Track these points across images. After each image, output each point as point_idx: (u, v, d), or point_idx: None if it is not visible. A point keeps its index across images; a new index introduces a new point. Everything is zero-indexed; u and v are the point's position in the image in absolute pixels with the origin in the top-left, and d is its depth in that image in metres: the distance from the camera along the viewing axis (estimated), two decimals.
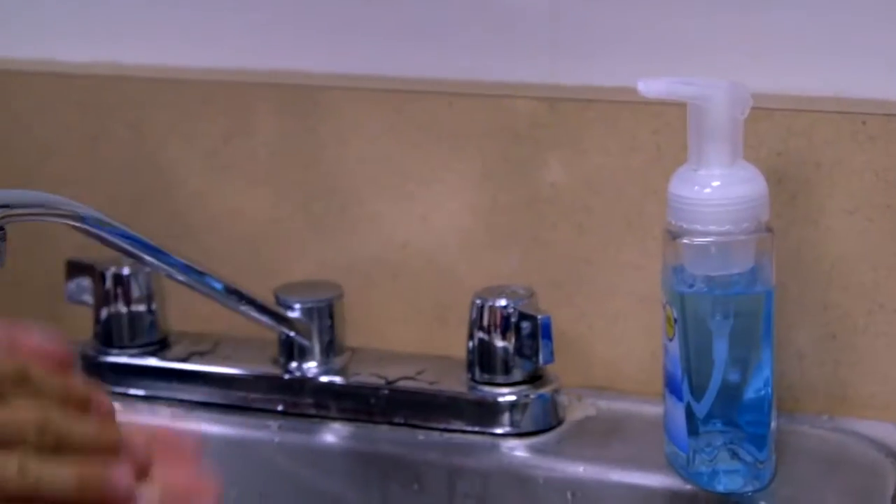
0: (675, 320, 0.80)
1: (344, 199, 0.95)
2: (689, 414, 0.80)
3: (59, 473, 0.58)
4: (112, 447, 0.60)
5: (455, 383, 0.89)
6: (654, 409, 0.86)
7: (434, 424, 0.88)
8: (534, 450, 0.86)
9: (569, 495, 0.84)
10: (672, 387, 0.81)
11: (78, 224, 0.77)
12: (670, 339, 0.80)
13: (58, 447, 0.58)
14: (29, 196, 0.75)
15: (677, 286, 0.79)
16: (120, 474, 0.59)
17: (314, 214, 0.96)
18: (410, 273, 0.95)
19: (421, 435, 0.88)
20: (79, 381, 0.62)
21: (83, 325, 0.96)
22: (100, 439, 0.60)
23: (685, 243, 0.79)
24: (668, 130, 0.88)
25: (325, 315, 0.91)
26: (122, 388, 0.94)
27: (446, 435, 0.88)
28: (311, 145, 0.95)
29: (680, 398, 0.80)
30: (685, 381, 0.80)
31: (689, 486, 0.82)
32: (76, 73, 0.99)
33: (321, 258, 0.96)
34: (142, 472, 0.61)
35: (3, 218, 0.71)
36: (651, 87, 0.77)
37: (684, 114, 0.79)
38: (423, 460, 0.87)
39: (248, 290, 0.87)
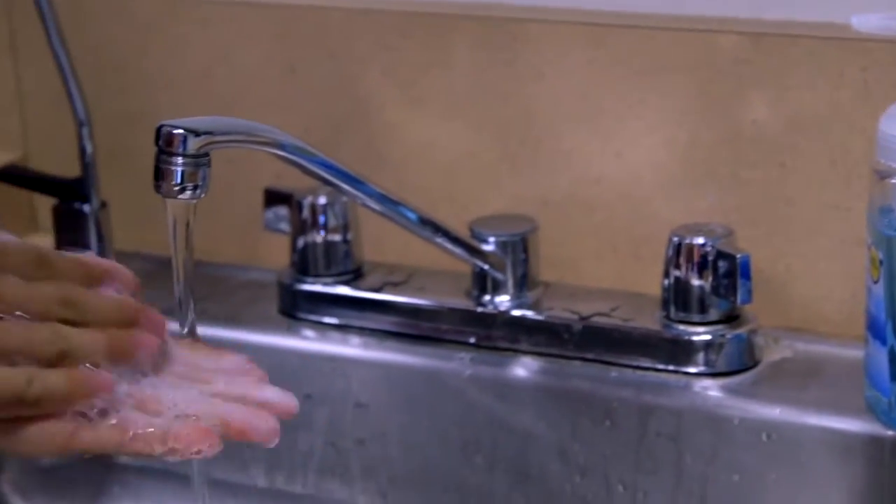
0: (881, 262, 0.77)
1: (539, 134, 0.95)
2: (893, 358, 0.78)
3: (88, 337, 0.63)
4: (133, 318, 0.65)
5: (649, 321, 0.88)
6: (853, 353, 0.84)
7: (627, 361, 0.87)
8: (728, 390, 0.85)
9: (764, 437, 0.83)
10: (875, 330, 0.79)
11: (278, 151, 0.77)
12: (875, 282, 0.78)
13: (83, 318, 0.63)
14: (231, 123, 0.76)
15: (885, 228, 0.77)
16: (146, 338, 0.65)
17: (509, 148, 0.96)
18: (605, 209, 0.94)
19: (613, 372, 0.87)
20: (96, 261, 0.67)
21: (279, 254, 0.97)
22: (121, 310, 0.65)
23: (894, 183, 0.76)
24: (876, 67, 0.85)
25: (520, 249, 0.90)
26: (316, 316, 0.95)
27: (639, 373, 0.87)
28: (507, 79, 0.95)
29: (883, 342, 0.79)
30: (889, 324, 0.78)
31: (890, 433, 0.80)
32: (276, 4, 1.00)
33: (515, 192, 0.96)
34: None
35: (207, 145, 0.71)
36: (865, 21, 0.75)
37: (894, 50, 0.77)
38: (616, 397, 0.86)
39: (443, 222, 0.87)
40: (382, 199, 0.84)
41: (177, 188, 0.70)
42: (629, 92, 0.92)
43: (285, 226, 0.96)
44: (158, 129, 0.70)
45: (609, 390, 0.87)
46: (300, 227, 0.95)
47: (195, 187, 0.70)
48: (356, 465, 0.93)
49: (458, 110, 0.96)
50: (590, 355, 0.88)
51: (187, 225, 0.71)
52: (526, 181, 0.96)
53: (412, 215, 0.86)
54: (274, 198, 0.96)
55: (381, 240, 0.98)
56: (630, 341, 0.87)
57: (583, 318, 0.89)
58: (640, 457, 0.86)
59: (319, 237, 0.94)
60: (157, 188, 0.70)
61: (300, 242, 0.95)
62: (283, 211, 0.96)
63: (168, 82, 1.04)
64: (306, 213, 0.94)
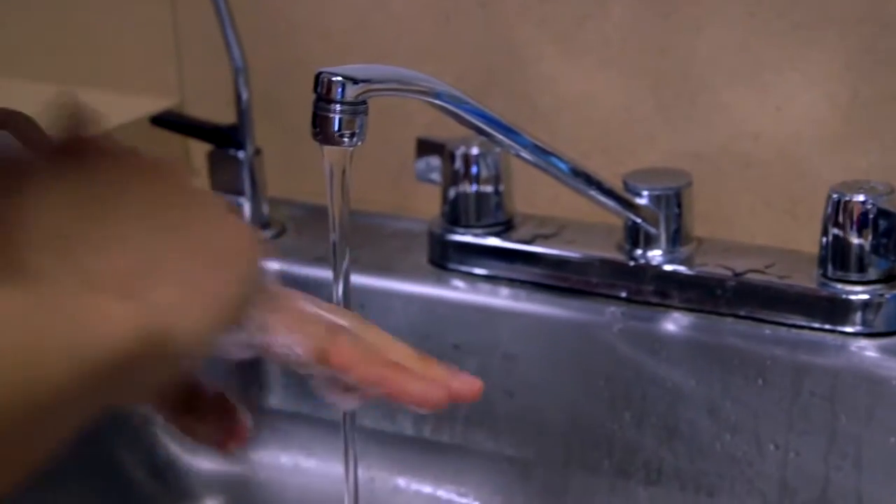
0: None
1: (696, 87, 0.94)
2: None
3: None
4: None
5: (805, 279, 0.86)
6: None
7: (781, 319, 0.86)
8: (886, 351, 0.83)
9: None
10: None
11: (434, 100, 0.77)
12: None
13: None
14: (389, 71, 0.76)
15: None
16: None
17: (665, 101, 0.95)
18: (761, 164, 0.93)
19: (767, 329, 0.86)
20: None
21: (431, 204, 0.97)
22: None
23: None
24: None
25: (674, 203, 0.89)
26: (466, 266, 0.95)
27: (794, 331, 0.86)
28: (664, 31, 0.93)
29: None
30: None
31: None
32: None
33: (669, 146, 0.95)
34: None
35: (364, 92, 0.71)
36: None
37: None
38: (769, 355, 0.85)
39: (595, 174, 0.87)
40: (535, 149, 0.84)
41: (334, 136, 0.70)
42: (790, 45, 0.90)
43: (437, 176, 0.96)
44: (317, 77, 0.70)
45: (763, 348, 0.86)
46: (452, 178, 0.95)
47: (352, 135, 0.70)
48: (504, 416, 0.93)
49: (614, 63, 0.95)
50: (743, 312, 0.87)
51: (343, 172, 0.71)
52: (680, 135, 0.94)
53: (565, 166, 0.86)
54: (426, 148, 0.96)
55: (531, 192, 0.97)
56: (785, 299, 0.86)
57: (737, 275, 0.88)
58: (793, 416, 0.85)
59: (471, 188, 0.94)
60: (315, 135, 0.71)
61: (451, 193, 0.95)
62: (434, 161, 0.96)
63: (323, 31, 1.04)
64: (458, 163, 0.94)
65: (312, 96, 0.71)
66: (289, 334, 0.64)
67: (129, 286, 0.57)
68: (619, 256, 0.91)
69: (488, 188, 0.94)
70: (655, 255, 0.90)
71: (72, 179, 0.60)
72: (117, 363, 0.54)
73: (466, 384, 0.66)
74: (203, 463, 1.00)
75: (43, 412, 0.51)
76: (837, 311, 0.85)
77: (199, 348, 0.58)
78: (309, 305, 0.66)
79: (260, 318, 0.63)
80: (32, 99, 1.16)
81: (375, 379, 0.64)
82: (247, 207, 1.02)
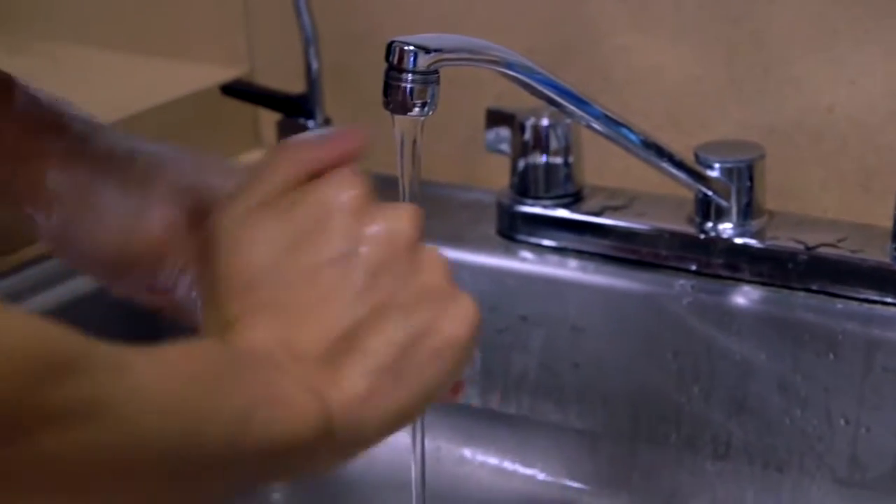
0: None
1: (769, 59, 0.93)
2: None
3: None
4: None
5: (878, 253, 0.85)
6: None
7: (853, 294, 0.85)
8: None
9: None
10: None
11: (505, 70, 0.77)
12: None
13: None
14: (461, 41, 0.76)
15: None
16: None
17: (738, 73, 0.94)
18: (835, 138, 0.92)
19: (839, 304, 0.85)
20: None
21: (500, 175, 0.97)
22: None
23: None
24: None
25: (745, 176, 0.88)
26: (535, 238, 0.95)
27: (866, 306, 0.85)
28: (738, 1, 0.92)
29: None
30: None
31: None
32: None
33: (741, 118, 0.94)
34: None
35: (436, 62, 0.71)
36: None
37: None
38: (841, 330, 0.84)
39: (667, 146, 0.86)
40: (607, 120, 0.83)
41: (406, 105, 0.70)
42: (866, 16, 0.89)
43: (506, 147, 0.95)
44: (389, 45, 0.70)
45: (834, 322, 0.85)
46: (521, 149, 0.94)
47: (424, 104, 0.70)
48: (571, 388, 0.93)
49: (686, 34, 0.95)
50: (814, 286, 0.86)
51: (414, 142, 0.71)
52: (753, 107, 0.94)
53: (636, 138, 0.85)
54: (496, 118, 0.96)
55: (601, 164, 0.97)
56: (858, 273, 0.85)
57: (808, 248, 0.87)
58: (865, 391, 0.84)
59: (541, 159, 0.94)
60: (386, 104, 0.71)
61: (521, 164, 0.94)
62: (504, 132, 0.95)
63: (393, 2, 1.04)
64: (528, 134, 0.93)
65: (383, 66, 0.71)
66: None
67: (326, 370, 0.54)
68: (690, 229, 0.90)
69: (558, 159, 0.94)
70: (726, 228, 0.89)
71: (291, 203, 0.58)
72: (290, 446, 0.52)
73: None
74: None
75: (204, 469, 0.50)
76: None
77: (377, 439, 0.56)
78: None
79: None
80: (102, 67, 1.17)
81: None
82: None
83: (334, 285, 0.56)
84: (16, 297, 0.91)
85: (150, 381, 0.48)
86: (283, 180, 0.59)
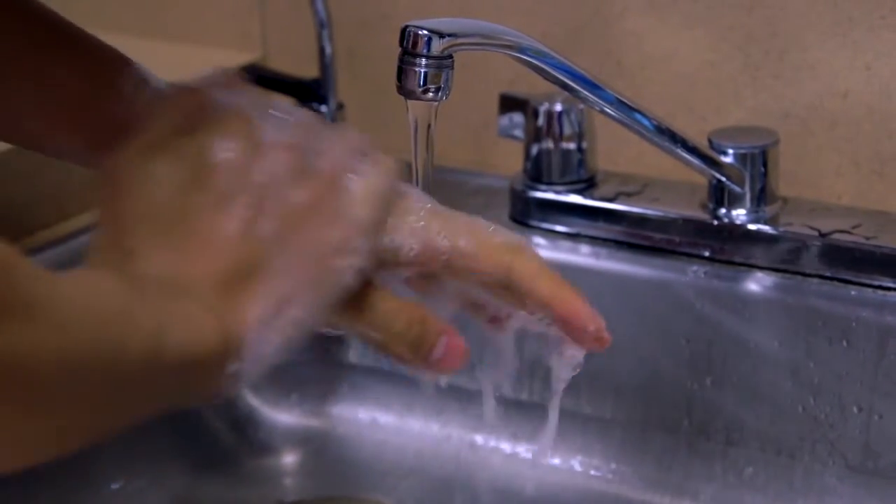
0: None
1: (784, 44, 0.92)
2: None
3: None
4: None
5: (892, 240, 0.85)
6: None
7: (867, 281, 0.85)
8: None
9: None
10: None
11: (519, 55, 0.77)
12: None
13: None
14: (475, 25, 0.76)
15: None
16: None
17: (751, 59, 0.93)
18: (850, 123, 0.91)
19: (853, 290, 0.85)
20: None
21: (513, 160, 0.97)
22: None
23: None
24: None
25: (759, 162, 0.88)
26: (548, 224, 0.94)
27: (880, 293, 0.85)
28: None
29: None
30: None
31: None
32: None
33: (756, 104, 0.94)
34: None
35: (450, 46, 0.71)
36: None
37: None
38: (855, 317, 0.84)
39: (680, 131, 0.86)
40: (620, 105, 0.83)
41: (419, 89, 0.70)
42: (882, 1, 0.88)
43: (519, 132, 0.95)
44: (403, 30, 0.70)
45: (848, 309, 0.85)
46: (535, 134, 0.94)
47: (437, 89, 0.70)
48: (583, 374, 0.92)
49: (700, 19, 0.94)
50: (828, 273, 0.86)
51: (428, 127, 0.71)
52: (767, 93, 0.93)
53: (649, 123, 0.85)
54: (509, 103, 0.95)
55: (615, 150, 0.96)
56: (872, 260, 0.85)
57: (822, 235, 0.87)
58: (878, 379, 0.84)
59: (554, 144, 0.94)
60: (400, 89, 0.71)
61: (534, 149, 0.94)
62: (517, 117, 0.95)
63: None
64: (542, 119, 0.93)
65: (396, 51, 0.71)
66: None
67: (222, 294, 0.57)
68: (703, 215, 0.90)
69: (571, 145, 0.94)
70: (740, 214, 0.89)
71: (180, 144, 0.61)
72: (198, 363, 0.56)
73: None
74: (282, 416, 1.00)
75: (117, 386, 0.53)
76: None
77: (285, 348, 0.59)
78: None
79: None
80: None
81: (554, 294, 0.64)
82: None
83: (221, 221, 0.59)
84: None
85: (79, 293, 0.51)
86: (175, 123, 0.62)
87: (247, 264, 0.58)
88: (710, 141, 0.89)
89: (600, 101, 0.82)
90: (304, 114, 0.64)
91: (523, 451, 0.95)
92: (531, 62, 0.77)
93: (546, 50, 0.77)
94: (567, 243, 0.94)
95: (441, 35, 0.70)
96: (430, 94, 0.70)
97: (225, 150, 0.60)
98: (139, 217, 0.59)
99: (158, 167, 0.60)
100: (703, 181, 0.90)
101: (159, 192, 0.59)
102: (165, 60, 1.12)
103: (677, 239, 0.90)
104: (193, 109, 0.62)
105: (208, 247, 0.58)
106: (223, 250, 0.58)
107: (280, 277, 0.59)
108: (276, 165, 0.60)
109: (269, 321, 0.58)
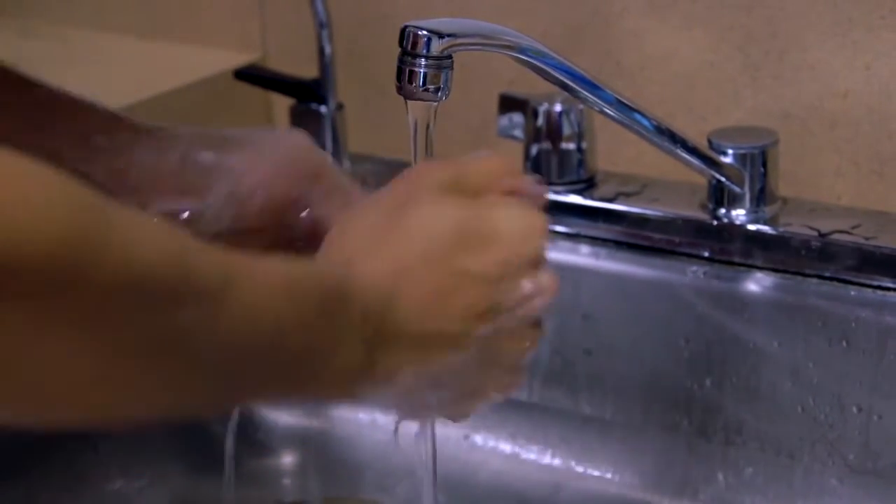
0: None
1: (784, 45, 0.92)
2: None
3: None
4: None
5: (892, 240, 0.85)
6: None
7: (867, 281, 0.85)
8: None
9: None
10: None
11: (519, 55, 0.77)
12: None
13: None
14: (475, 26, 0.76)
15: None
16: None
17: (751, 59, 0.93)
18: (849, 124, 0.91)
19: (853, 291, 0.85)
20: None
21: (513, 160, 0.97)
22: None
23: None
24: None
25: (759, 162, 0.88)
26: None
27: (879, 293, 0.85)
28: None
29: None
30: None
31: None
32: None
33: (756, 104, 0.94)
34: None
35: (450, 47, 0.71)
36: None
37: None
38: (854, 317, 0.84)
39: (680, 131, 0.86)
40: (620, 105, 0.83)
41: (419, 90, 0.70)
42: (881, 2, 0.88)
43: (519, 132, 0.95)
44: (403, 30, 0.70)
45: (847, 309, 0.85)
46: (534, 134, 0.94)
47: (437, 89, 0.70)
48: (582, 375, 0.93)
49: (700, 19, 0.94)
50: (828, 273, 0.86)
51: (428, 127, 0.71)
52: (767, 93, 0.93)
53: (649, 123, 0.85)
54: (509, 104, 0.95)
55: (614, 150, 0.97)
56: (872, 260, 0.85)
57: (822, 235, 0.87)
58: (878, 379, 0.84)
59: (553, 145, 0.94)
60: (399, 89, 0.71)
61: (534, 150, 0.94)
62: (517, 117, 0.95)
63: None
64: (541, 120, 0.93)
65: (396, 51, 0.71)
66: None
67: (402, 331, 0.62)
68: (703, 215, 0.90)
69: (571, 145, 0.94)
70: (739, 214, 0.89)
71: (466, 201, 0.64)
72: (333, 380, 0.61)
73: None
74: (281, 417, 1.00)
75: (283, 367, 0.58)
76: None
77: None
78: None
79: None
80: (116, 52, 1.17)
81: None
82: None
83: (470, 288, 0.62)
84: None
85: (266, 282, 0.55)
86: (483, 178, 0.65)
87: (447, 336, 0.62)
88: (709, 141, 0.89)
89: (600, 102, 0.82)
90: None
91: (523, 451, 0.95)
92: (531, 62, 0.77)
93: (546, 50, 0.78)
94: (567, 243, 0.94)
95: (440, 35, 0.70)
96: (430, 94, 0.70)
97: (522, 244, 0.64)
98: (391, 242, 0.63)
99: (447, 208, 0.63)
100: (702, 181, 0.90)
101: (433, 233, 0.63)
102: (165, 60, 1.13)
103: (677, 239, 0.91)
104: (506, 181, 0.65)
105: (445, 292, 0.61)
106: (450, 306, 0.61)
107: (454, 374, 0.63)
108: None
109: (409, 394, 0.63)
